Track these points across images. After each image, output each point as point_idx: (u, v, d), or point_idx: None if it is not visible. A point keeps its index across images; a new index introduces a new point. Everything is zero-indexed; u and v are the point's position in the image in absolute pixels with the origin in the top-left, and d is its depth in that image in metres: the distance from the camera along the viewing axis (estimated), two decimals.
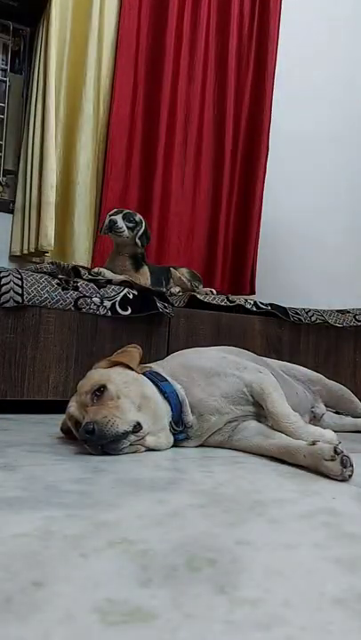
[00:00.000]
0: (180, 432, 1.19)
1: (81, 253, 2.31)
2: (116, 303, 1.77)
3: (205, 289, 2.28)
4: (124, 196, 2.43)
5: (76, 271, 1.88)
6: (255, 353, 2.08)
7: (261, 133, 2.76)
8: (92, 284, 1.77)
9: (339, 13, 3.25)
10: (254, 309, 2.07)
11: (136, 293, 1.82)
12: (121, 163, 2.43)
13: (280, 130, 2.82)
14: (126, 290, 1.81)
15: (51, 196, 2.16)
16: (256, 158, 2.74)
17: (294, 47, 2.99)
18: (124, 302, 1.79)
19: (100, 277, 1.91)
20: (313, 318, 2.19)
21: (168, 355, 1.91)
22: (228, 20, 2.70)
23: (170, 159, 2.52)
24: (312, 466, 1.01)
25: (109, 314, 1.75)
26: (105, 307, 1.75)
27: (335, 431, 1.23)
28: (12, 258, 2.31)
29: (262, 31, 2.80)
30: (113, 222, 2.03)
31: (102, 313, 1.75)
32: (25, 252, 2.24)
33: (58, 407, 1.76)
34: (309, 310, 2.19)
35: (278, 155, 2.82)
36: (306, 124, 3.01)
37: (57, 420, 1.51)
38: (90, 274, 1.91)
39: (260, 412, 1.24)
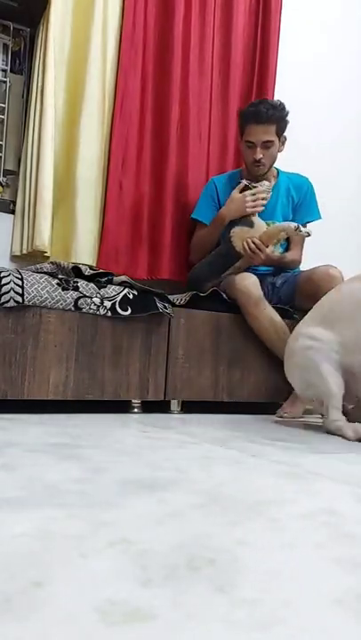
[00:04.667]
0: None
1: (84, 253, 2.30)
2: (116, 303, 1.77)
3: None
4: (132, 193, 2.42)
5: (76, 271, 1.88)
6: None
7: None
8: (91, 285, 1.77)
9: (342, 11, 3.26)
10: None
11: (136, 293, 1.82)
12: (130, 159, 2.41)
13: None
14: (126, 290, 1.81)
15: (46, 196, 2.16)
16: None
17: (296, 45, 3.00)
18: (124, 302, 1.79)
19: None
20: None
21: (168, 354, 1.92)
22: (231, 16, 2.70)
23: (183, 155, 2.51)
24: None
25: (109, 314, 1.76)
26: (105, 307, 1.75)
27: None
28: (13, 258, 2.31)
29: (265, 28, 2.81)
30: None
31: (102, 313, 1.75)
32: (24, 252, 2.24)
33: (58, 407, 1.76)
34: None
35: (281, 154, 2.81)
36: (307, 127, 3.02)
37: (57, 420, 1.52)
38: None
39: None
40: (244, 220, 2.17)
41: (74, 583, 0.49)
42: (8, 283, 1.61)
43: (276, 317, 2.05)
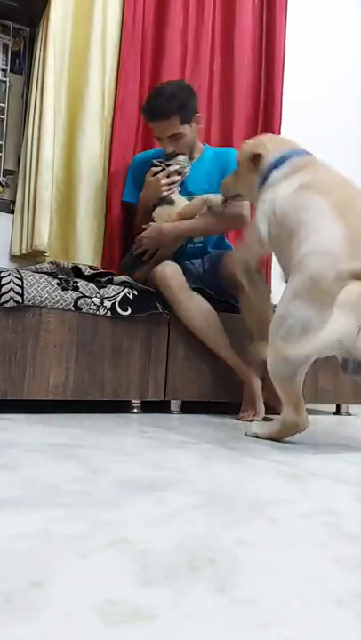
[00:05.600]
0: None
1: (84, 253, 2.30)
2: (116, 303, 1.77)
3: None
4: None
5: (76, 270, 1.88)
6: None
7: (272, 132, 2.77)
8: (91, 285, 1.77)
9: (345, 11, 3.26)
10: None
11: (136, 293, 1.82)
12: (129, 160, 2.41)
13: (290, 129, 2.82)
14: (126, 290, 1.81)
15: (46, 195, 2.16)
16: None
17: (301, 45, 3.00)
18: (124, 302, 1.79)
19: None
20: None
21: (168, 354, 1.92)
22: (233, 16, 2.70)
23: None
24: None
25: (109, 314, 1.76)
26: (105, 307, 1.75)
27: None
28: (13, 258, 2.31)
29: (269, 29, 2.81)
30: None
31: (102, 313, 1.75)
32: (24, 252, 2.24)
33: (58, 407, 1.76)
34: None
35: None
36: (306, 126, 3.02)
37: (57, 421, 1.52)
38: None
39: None
40: (164, 199, 2.09)
41: (74, 583, 0.49)
42: (8, 283, 1.61)
43: (205, 304, 1.92)
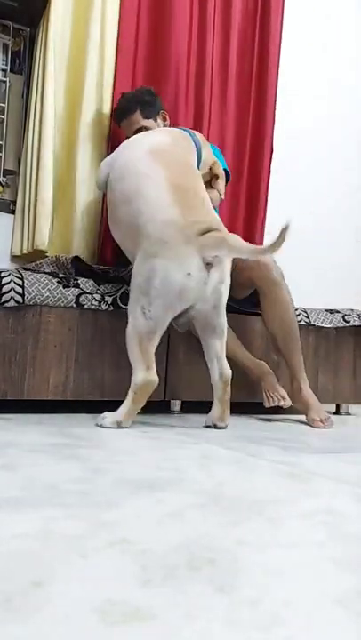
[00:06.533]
0: None
1: (84, 252, 2.30)
2: (117, 297, 1.78)
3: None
4: None
5: (75, 263, 1.88)
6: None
7: (265, 136, 2.76)
8: (91, 281, 1.78)
9: (344, 12, 3.26)
10: (250, 310, 2.06)
11: None
12: None
13: (283, 132, 2.81)
14: (125, 287, 1.82)
15: (46, 196, 2.16)
16: (260, 159, 2.73)
17: (297, 48, 3.00)
18: (125, 298, 1.79)
19: None
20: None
21: (168, 355, 1.91)
22: (231, 18, 2.70)
23: None
24: None
25: (112, 308, 1.75)
26: (107, 302, 1.76)
27: None
28: (14, 258, 2.31)
29: (264, 32, 2.81)
30: None
31: (104, 308, 1.75)
32: (25, 252, 2.24)
33: (58, 407, 1.76)
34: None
35: (281, 155, 2.81)
36: (307, 126, 3.02)
37: (56, 420, 1.52)
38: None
39: None
40: None
41: (74, 583, 0.49)
42: (8, 282, 1.61)
43: None
